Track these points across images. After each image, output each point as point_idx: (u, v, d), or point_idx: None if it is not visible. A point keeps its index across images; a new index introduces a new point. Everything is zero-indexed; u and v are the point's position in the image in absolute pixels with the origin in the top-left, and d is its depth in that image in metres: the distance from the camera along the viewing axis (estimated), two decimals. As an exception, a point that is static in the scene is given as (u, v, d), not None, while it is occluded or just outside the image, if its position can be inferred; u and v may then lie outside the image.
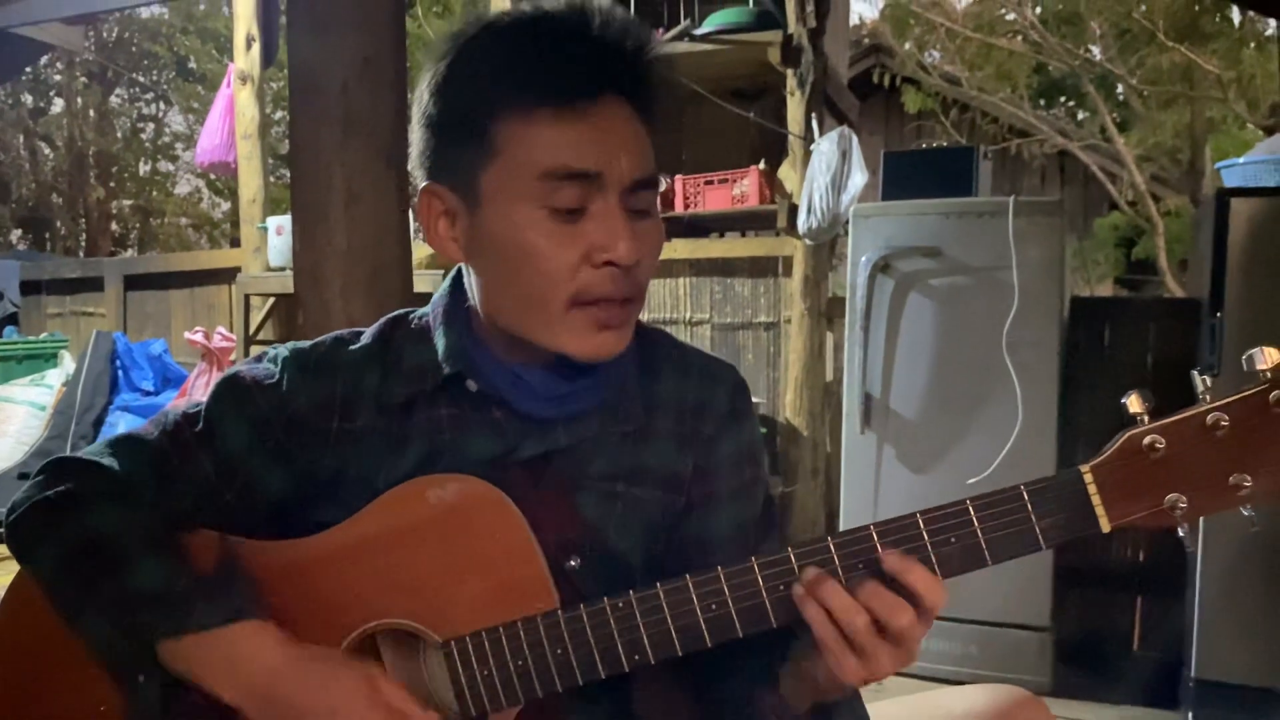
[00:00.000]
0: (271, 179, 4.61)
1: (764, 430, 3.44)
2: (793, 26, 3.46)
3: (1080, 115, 10.02)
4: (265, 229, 4.31)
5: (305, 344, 1.03)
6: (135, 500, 0.95)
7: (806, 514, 3.52)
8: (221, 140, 4.50)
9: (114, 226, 14.87)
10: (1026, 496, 0.82)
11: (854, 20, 9.07)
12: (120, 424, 4.38)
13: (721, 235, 4.26)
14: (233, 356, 4.30)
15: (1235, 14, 7.95)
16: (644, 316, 1.05)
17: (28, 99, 13.54)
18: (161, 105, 15.29)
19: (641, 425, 1.01)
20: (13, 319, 5.51)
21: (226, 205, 14.33)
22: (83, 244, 13.98)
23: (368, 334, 1.03)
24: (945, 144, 8.50)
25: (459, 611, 0.90)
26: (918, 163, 3.10)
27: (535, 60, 0.89)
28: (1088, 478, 0.81)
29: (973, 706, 0.94)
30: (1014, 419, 2.72)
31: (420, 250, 3.26)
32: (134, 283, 5.18)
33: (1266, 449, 0.79)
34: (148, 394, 4.57)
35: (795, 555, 0.84)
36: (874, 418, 2.93)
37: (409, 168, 1.00)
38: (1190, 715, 2.50)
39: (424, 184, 0.96)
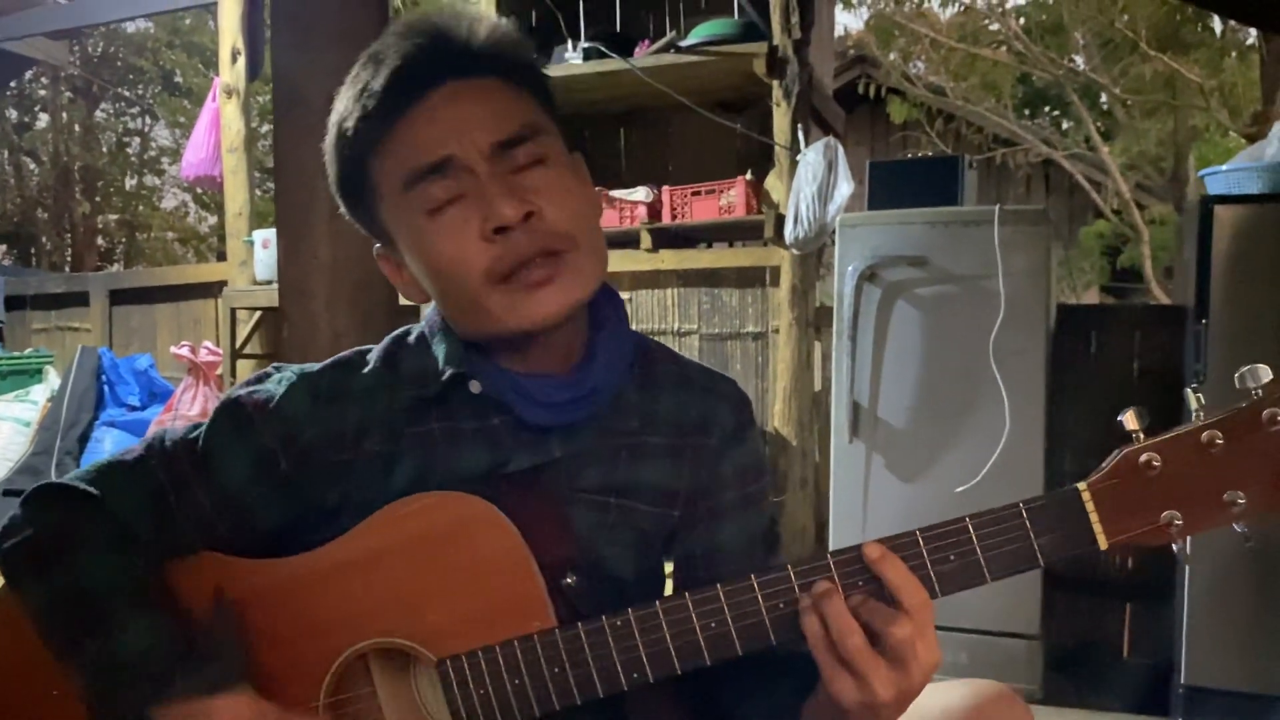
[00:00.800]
0: (258, 192, 4.59)
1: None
2: (778, 38, 3.46)
3: (1064, 125, 10.08)
4: (251, 242, 4.28)
5: (314, 368, 1.01)
6: (127, 543, 0.94)
7: (796, 524, 3.52)
8: (207, 154, 4.48)
9: (100, 241, 14.77)
10: (1025, 514, 0.82)
11: (839, 31, 9.11)
12: (106, 439, 4.33)
13: (709, 246, 4.25)
14: (219, 371, 4.26)
15: (1217, 23, 8.01)
16: (631, 327, 1.05)
17: (12, 114, 13.43)
18: (147, 119, 15.21)
19: (638, 438, 1.00)
20: (-3, 334, 5.46)
21: (213, 219, 14.26)
22: (68, 259, 13.86)
23: (374, 357, 1.01)
24: (930, 154, 8.55)
25: (454, 630, 0.89)
26: (903, 172, 3.12)
27: (365, 92, 0.93)
28: (1085, 495, 0.81)
29: (950, 703, 0.93)
30: (1001, 427, 2.73)
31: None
32: (119, 297, 5.13)
33: (1260, 466, 0.79)
34: (134, 409, 4.53)
35: (795, 573, 0.84)
36: (862, 427, 2.94)
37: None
38: (1181, 722, 2.52)
39: (374, 249, 1.02)
